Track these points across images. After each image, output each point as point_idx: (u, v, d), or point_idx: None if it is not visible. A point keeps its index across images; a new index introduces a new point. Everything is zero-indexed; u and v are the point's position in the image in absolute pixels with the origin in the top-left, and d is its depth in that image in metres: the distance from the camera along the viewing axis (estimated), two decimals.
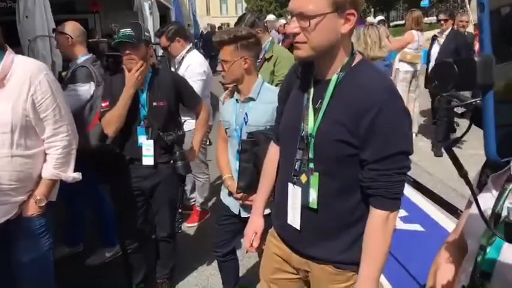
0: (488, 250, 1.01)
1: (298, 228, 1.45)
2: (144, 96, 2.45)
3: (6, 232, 1.87)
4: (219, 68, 2.53)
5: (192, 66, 3.50)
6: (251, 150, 2.09)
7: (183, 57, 3.61)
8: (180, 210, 2.68)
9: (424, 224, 3.67)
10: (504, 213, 0.88)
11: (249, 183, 2.12)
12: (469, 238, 1.12)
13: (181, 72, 3.44)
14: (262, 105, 2.15)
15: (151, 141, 2.45)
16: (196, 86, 3.20)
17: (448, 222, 3.42)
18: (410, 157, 1.32)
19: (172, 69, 3.70)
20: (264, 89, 2.22)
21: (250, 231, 1.79)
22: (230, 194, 2.33)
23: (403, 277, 2.95)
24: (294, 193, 1.45)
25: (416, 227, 3.69)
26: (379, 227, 1.31)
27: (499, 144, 0.43)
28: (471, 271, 1.04)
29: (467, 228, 1.15)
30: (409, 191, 3.39)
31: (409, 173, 1.37)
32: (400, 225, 3.60)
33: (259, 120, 2.14)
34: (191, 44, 3.78)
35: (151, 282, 2.87)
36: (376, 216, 1.32)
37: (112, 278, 3.01)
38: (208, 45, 15.76)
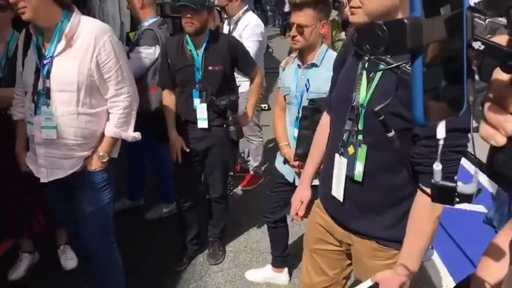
0: None
1: (341, 200, 1.42)
2: (199, 60, 2.47)
3: (72, 183, 2.03)
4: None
5: (250, 26, 3.51)
6: (312, 117, 2.03)
7: (239, 18, 3.61)
8: (232, 173, 2.73)
9: (488, 206, 3.45)
10: None
11: (306, 151, 2.04)
12: None
13: (238, 31, 3.46)
14: (325, 72, 2.02)
15: (204, 105, 2.49)
16: (254, 46, 3.22)
17: None
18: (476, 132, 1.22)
19: (226, 28, 3.69)
20: (327, 56, 2.13)
21: (297, 200, 1.79)
22: (285, 161, 2.32)
23: (459, 259, 2.82)
24: (339, 164, 1.41)
25: (480, 208, 3.48)
26: (427, 207, 1.24)
27: (426, 108, 0.43)
28: None
29: None
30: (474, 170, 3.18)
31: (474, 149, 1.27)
32: (462, 204, 3.40)
33: (321, 87, 2.03)
34: (247, 5, 3.77)
35: (202, 240, 3.00)
36: (424, 195, 1.25)
37: (167, 233, 3.18)
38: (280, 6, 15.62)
